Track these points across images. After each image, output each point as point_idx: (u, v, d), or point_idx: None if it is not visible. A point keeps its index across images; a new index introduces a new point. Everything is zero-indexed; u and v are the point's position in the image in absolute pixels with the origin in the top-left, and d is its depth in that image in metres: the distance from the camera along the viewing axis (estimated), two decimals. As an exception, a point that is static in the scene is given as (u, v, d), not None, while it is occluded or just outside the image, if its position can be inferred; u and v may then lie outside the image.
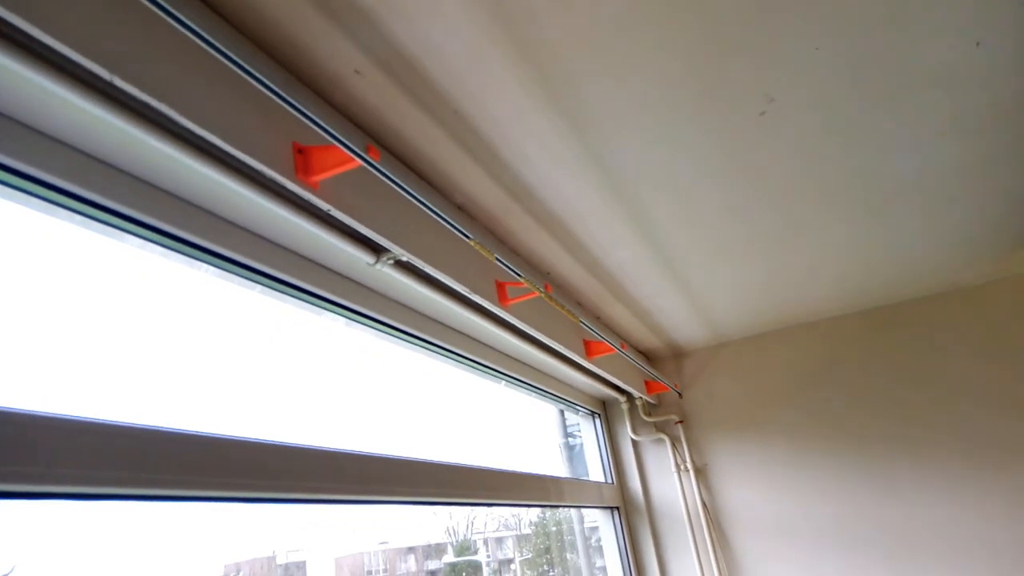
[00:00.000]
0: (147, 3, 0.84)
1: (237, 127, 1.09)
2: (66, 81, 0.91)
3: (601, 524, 3.40)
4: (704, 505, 3.34)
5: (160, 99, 0.95)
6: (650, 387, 3.54)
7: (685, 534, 3.33)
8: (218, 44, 0.91)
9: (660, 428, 3.59)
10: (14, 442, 0.89)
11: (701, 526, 3.30)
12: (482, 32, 1.27)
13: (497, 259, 1.74)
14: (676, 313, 3.06)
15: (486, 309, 1.99)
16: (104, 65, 0.87)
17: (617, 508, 3.41)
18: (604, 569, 3.34)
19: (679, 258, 2.45)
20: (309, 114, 1.05)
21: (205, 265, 1.43)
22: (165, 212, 1.24)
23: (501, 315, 2.03)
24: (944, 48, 1.50)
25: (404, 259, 1.60)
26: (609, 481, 3.49)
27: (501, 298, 1.96)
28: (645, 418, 3.58)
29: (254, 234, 1.44)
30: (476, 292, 1.84)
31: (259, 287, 1.58)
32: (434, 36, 1.27)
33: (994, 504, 2.82)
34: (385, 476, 1.73)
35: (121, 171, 1.17)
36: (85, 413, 1.04)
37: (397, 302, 1.94)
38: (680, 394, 3.62)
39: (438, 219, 1.48)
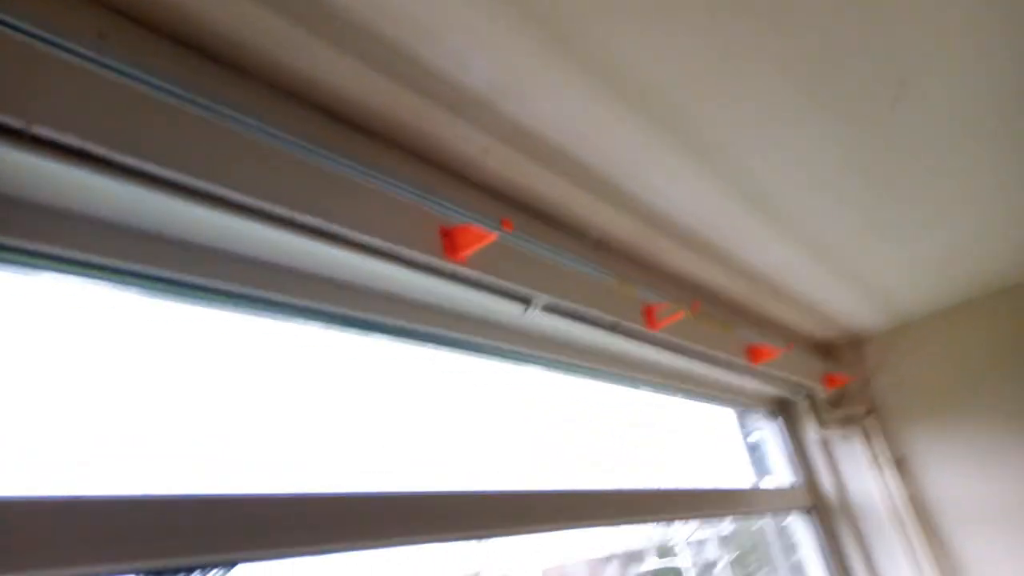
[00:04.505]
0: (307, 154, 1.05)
1: (392, 226, 1.29)
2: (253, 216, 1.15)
3: (797, 528, 3.28)
4: (907, 499, 3.11)
5: (329, 219, 1.17)
6: (831, 380, 3.37)
7: (893, 533, 3.11)
8: (359, 167, 1.11)
9: (848, 422, 3.39)
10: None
11: (909, 523, 3.08)
12: (592, 98, 1.39)
13: (639, 291, 1.83)
14: (845, 300, 2.92)
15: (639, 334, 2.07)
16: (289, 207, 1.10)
17: (811, 508, 3.28)
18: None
19: (836, 248, 2.37)
20: (445, 204, 1.23)
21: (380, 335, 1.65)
22: (344, 299, 1.48)
23: (653, 338, 2.09)
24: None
25: (550, 304, 1.74)
26: (798, 483, 3.37)
27: (650, 323, 2.02)
28: (830, 413, 3.41)
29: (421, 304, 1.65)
30: (624, 320, 1.92)
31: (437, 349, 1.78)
32: (546, 109, 1.41)
33: None
34: (575, 510, 1.85)
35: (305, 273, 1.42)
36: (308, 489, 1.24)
37: (556, 341, 2.07)
38: (865, 384, 3.41)
39: (576, 266, 1.61)
